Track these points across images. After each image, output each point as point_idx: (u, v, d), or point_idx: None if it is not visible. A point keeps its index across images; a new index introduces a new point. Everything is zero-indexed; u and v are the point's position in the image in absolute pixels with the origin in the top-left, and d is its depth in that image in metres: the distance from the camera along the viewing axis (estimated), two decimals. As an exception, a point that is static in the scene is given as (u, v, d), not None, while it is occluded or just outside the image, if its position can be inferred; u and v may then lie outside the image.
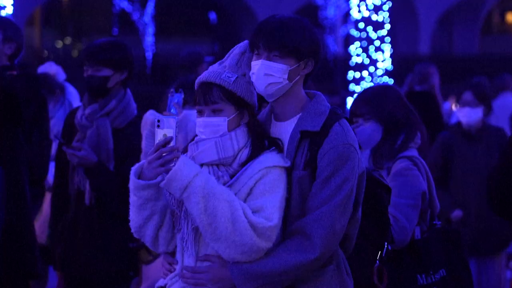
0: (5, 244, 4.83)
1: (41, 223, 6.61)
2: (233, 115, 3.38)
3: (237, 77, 3.38)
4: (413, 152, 4.52)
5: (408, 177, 4.38)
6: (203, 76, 3.40)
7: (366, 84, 17.23)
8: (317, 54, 3.42)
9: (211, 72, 3.40)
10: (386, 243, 3.79)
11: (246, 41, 3.48)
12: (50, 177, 5.88)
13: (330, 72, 27.32)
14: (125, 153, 5.18)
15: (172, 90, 5.09)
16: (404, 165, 4.43)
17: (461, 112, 7.16)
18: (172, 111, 5.07)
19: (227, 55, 3.48)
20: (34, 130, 5.26)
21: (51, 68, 7.96)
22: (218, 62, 3.46)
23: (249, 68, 3.41)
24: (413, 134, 4.53)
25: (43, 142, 5.31)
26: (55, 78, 7.72)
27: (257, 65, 3.36)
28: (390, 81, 17.57)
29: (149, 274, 5.40)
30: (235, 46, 3.49)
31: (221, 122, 3.36)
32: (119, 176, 5.07)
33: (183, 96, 5.10)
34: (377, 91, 4.62)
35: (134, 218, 3.39)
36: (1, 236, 4.58)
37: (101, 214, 5.17)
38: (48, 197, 6.66)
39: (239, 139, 3.36)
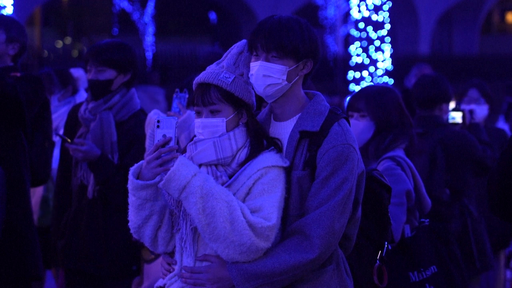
0: (6, 244, 4.82)
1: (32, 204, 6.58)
2: (232, 116, 3.37)
3: (234, 77, 3.37)
4: (398, 152, 4.57)
5: (391, 177, 4.39)
6: (200, 77, 3.39)
7: (366, 84, 17.25)
8: (316, 54, 3.41)
9: (209, 73, 3.38)
10: (386, 243, 3.79)
11: (243, 41, 3.47)
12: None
13: (330, 72, 27.35)
14: (129, 145, 5.19)
15: (177, 90, 5.09)
16: (386, 165, 4.48)
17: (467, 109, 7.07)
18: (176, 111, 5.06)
19: (224, 55, 3.47)
20: (37, 131, 5.25)
21: (77, 72, 8.05)
22: (215, 62, 3.44)
23: (247, 68, 3.40)
24: (402, 137, 4.57)
25: (45, 144, 5.30)
26: (77, 80, 7.78)
27: (256, 67, 3.35)
28: (390, 81, 17.59)
29: (150, 273, 5.39)
30: (233, 46, 3.48)
31: (219, 122, 3.35)
32: (123, 168, 5.07)
33: (187, 96, 5.09)
34: (378, 90, 4.66)
35: (133, 218, 3.39)
36: (1, 236, 4.57)
37: (105, 208, 5.17)
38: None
39: (238, 139, 3.36)
